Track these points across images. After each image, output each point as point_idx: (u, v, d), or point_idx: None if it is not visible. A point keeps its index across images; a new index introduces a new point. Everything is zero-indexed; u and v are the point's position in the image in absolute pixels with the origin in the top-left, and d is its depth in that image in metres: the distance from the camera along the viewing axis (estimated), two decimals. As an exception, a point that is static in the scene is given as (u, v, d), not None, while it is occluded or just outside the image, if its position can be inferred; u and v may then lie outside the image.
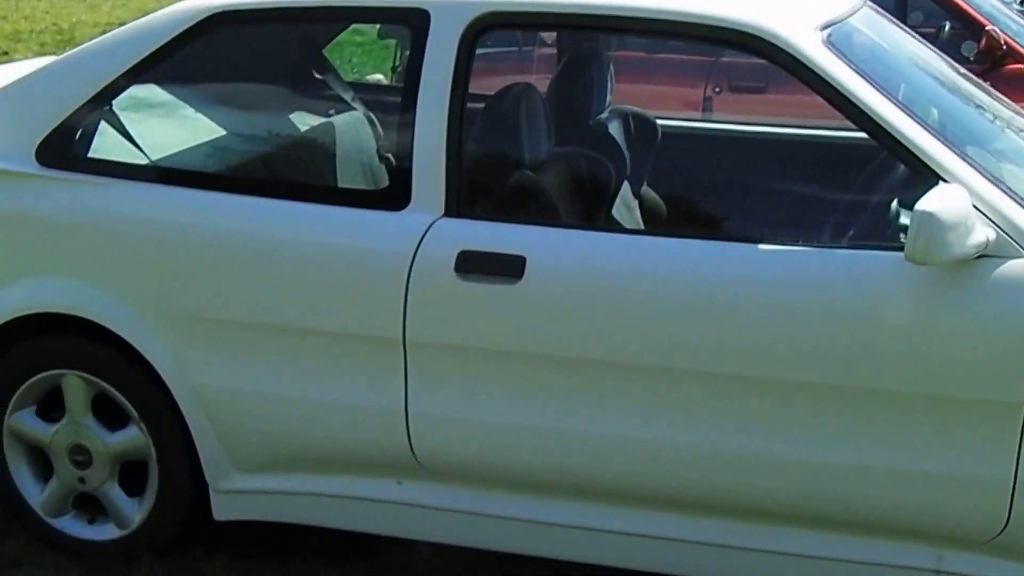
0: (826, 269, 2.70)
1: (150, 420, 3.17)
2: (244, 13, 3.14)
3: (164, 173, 3.20)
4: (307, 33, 3.72)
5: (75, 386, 3.21)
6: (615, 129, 3.95)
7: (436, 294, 2.86)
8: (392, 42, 8.34)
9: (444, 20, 2.93)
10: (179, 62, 3.16)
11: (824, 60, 2.76)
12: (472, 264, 2.83)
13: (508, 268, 2.81)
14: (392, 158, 3.00)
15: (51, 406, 3.29)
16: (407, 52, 3.01)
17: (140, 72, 3.15)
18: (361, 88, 4.41)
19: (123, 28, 3.25)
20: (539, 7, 3.00)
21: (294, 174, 3.39)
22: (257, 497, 3.18)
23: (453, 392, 2.91)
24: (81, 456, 3.25)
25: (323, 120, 3.48)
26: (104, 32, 13.08)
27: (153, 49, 3.12)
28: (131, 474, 3.27)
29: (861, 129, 2.79)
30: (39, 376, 3.23)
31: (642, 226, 3.63)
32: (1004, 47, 5.75)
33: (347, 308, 2.94)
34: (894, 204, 2.89)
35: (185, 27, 3.11)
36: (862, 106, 2.72)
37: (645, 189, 3.95)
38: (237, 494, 3.18)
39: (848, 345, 2.66)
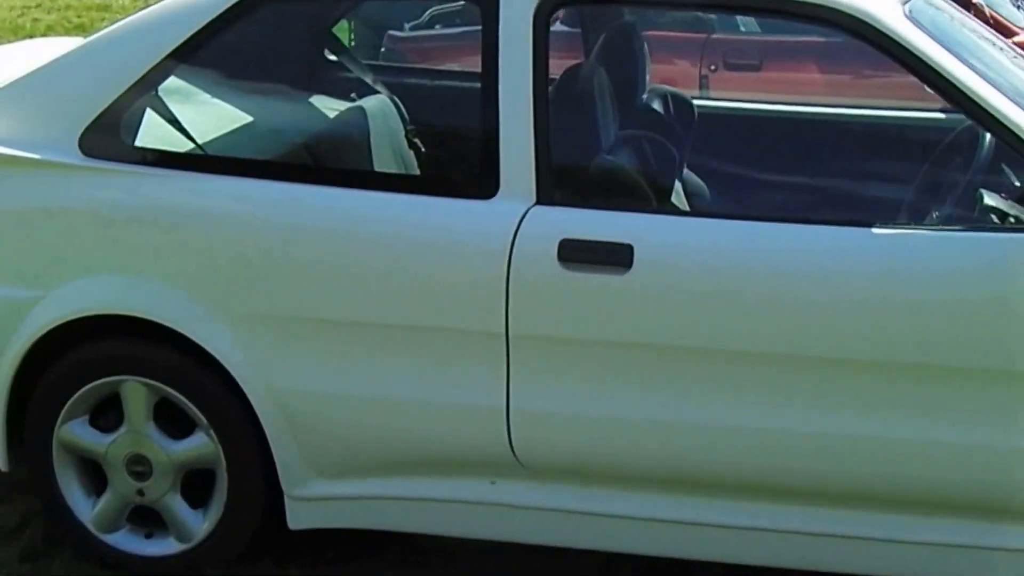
0: (953, 253, 2.63)
1: (220, 426, 2.97)
2: None
3: (228, 162, 2.99)
4: (361, 12, 3.54)
5: (136, 393, 3.00)
6: (659, 109, 3.85)
7: (540, 285, 2.73)
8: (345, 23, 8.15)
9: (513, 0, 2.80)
10: (227, 42, 2.96)
11: (913, 36, 2.69)
12: (576, 253, 2.71)
13: (616, 257, 2.69)
14: (475, 144, 2.84)
15: (104, 414, 3.08)
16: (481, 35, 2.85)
17: (185, 54, 2.94)
18: (420, 73, 4.20)
19: (159, 7, 3.02)
20: None
21: (369, 161, 3.21)
22: (337, 503, 3.00)
23: (560, 386, 2.77)
24: (140, 467, 3.04)
25: (387, 103, 3.31)
26: (22, 14, 12.53)
27: (197, 29, 2.91)
28: (193, 484, 3.08)
29: (957, 108, 2.73)
30: (95, 383, 3.01)
31: (688, 209, 3.55)
32: (991, 21, 5.76)
33: (441, 301, 2.79)
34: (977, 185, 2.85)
35: (229, 4, 2.91)
36: (958, 84, 2.66)
37: (687, 172, 3.85)
38: (315, 501, 3.00)
39: (980, 328, 2.60)
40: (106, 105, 2.94)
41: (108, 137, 2.94)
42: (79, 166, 2.93)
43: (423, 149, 3.22)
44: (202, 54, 2.96)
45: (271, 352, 2.89)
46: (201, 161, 3.00)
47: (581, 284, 2.71)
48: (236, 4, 2.90)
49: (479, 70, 2.83)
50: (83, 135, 2.94)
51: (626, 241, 2.69)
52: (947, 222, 2.85)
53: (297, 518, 3.02)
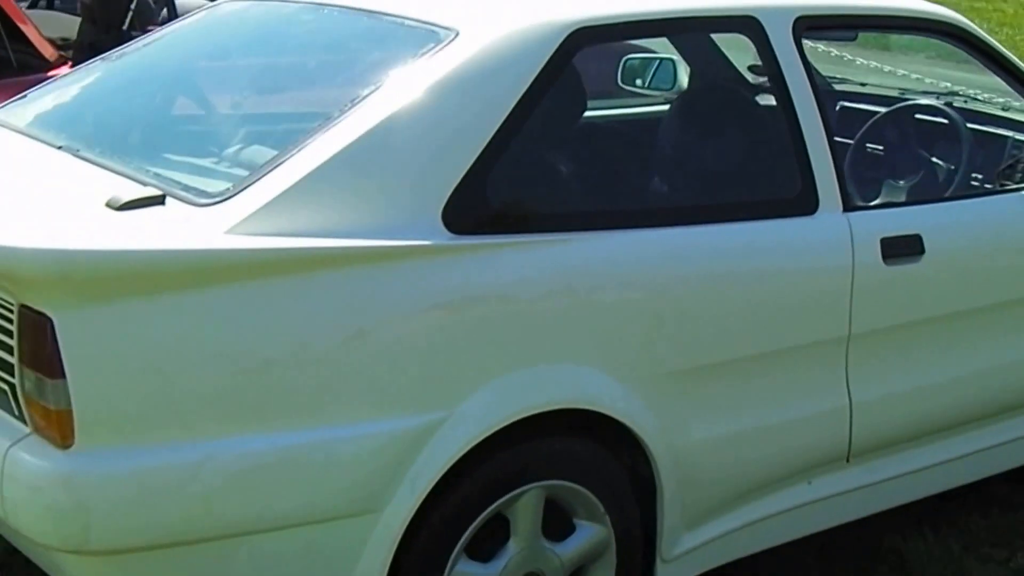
0: None
1: (617, 509, 2.70)
2: (608, 28, 2.80)
3: (615, 216, 2.71)
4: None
5: (531, 502, 2.58)
6: None
7: (872, 283, 3.02)
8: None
9: (775, 23, 3.02)
10: (557, 90, 2.69)
11: (992, 41, 3.51)
12: (892, 249, 3.05)
13: (913, 247, 3.10)
14: (787, 161, 2.97)
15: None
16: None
17: (528, 106, 2.59)
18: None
19: (481, 53, 2.60)
20: (842, 9, 3.25)
21: (714, 194, 3.05)
22: (694, 553, 2.91)
23: (885, 370, 3.11)
24: (531, 585, 2.63)
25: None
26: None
27: (533, 78, 2.60)
28: None
29: None
30: (497, 503, 2.52)
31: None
32: None
33: (803, 320, 2.94)
34: None
35: (553, 49, 2.65)
36: None
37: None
38: (682, 556, 2.88)
39: None
40: (465, 171, 2.47)
41: (474, 208, 2.48)
42: (453, 247, 2.43)
43: (773, 169, 3.13)
44: (552, 95, 2.64)
45: (675, 409, 2.74)
46: (602, 217, 2.68)
47: (894, 275, 3.06)
48: (557, 50, 2.64)
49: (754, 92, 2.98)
50: (446, 209, 2.44)
51: (916, 232, 3.11)
52: None
53: (665, 581, 2.87)
